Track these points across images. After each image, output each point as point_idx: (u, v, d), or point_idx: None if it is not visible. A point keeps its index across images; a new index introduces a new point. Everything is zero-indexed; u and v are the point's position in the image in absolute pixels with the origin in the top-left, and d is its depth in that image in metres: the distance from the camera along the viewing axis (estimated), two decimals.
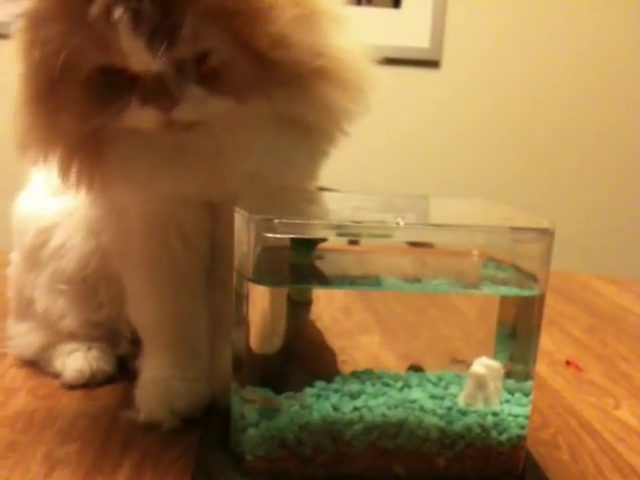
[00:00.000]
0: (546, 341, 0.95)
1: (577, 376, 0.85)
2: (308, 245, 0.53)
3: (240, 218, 0.52)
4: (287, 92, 0.54)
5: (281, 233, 0.49)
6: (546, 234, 0.50)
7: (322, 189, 0.68)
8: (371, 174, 1.98)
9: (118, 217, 0.66)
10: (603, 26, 2.03)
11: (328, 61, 0.54)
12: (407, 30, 2.00)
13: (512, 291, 0.55)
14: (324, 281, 0.54)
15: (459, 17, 1.99)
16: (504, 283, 0.56)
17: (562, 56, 2.04)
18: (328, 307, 0.60)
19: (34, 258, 0.73)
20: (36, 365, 0.77)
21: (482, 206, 0.62)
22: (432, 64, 2.03)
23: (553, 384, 0.82)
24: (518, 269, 0.55)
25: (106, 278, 0.72)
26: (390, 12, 1.99)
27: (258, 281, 0.51)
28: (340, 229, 0.50)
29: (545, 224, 0.51)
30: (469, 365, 0.56)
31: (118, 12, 0.47)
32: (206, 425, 0.62)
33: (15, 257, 0.78)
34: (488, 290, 0.56)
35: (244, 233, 0.51)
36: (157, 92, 0.51)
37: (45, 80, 0.52)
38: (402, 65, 2.01)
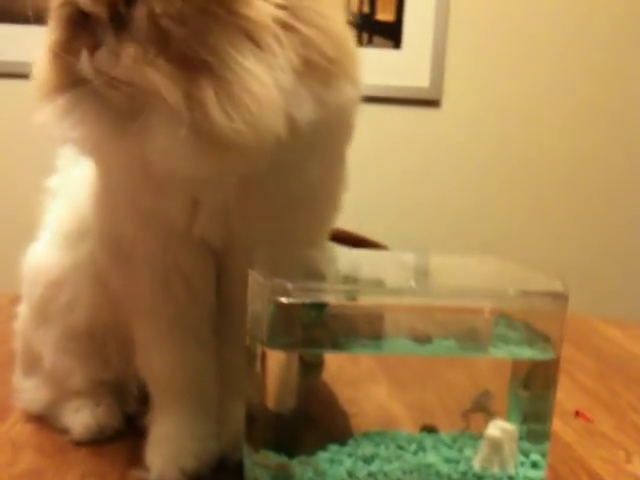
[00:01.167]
0: None
1: (587, 427, 0.84)
2: (320, 305, 0.53)
3: (254, 280, 0.52)
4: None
5: (295, 297, 0.49)
6: (560, 299, 0.50)
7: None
8: (370, 213, 1.98)
9: (125, 264, 0.66)
10: (606, 66, 2.06)
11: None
12: (407, 70, 2.03)
13: (525, 353, 0.55)
14: (336, 345, 0.54)
15: (458, 57, 2.02)
16: (516, 343, 0.55)
17: (563, 96, 2.07)
18: (335, 355, 0.60)
19: (44, 312, 0.73)
20: (42, 419, 0.76)
21: (495, 265, 0.62)
22: (432, 103, 2.06)
23: (564, 436, 0.81)
24: (531, 329, 0.55)
25: (114, 332, 0.72)
26: (391, 53, 2.02)
27: (271, 345, 0.51)
28: (355, 294, 0.50)
29: (559, 287, 0.51)
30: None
31: None
32: None
33: (23, 310, 0.77)
34: (500, 352, 0.56)
35: (257, 295, 0.51)
36: (91, 33, 0.55)
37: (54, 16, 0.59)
38: (403, 104, 2.03)
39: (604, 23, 2.04)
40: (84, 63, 0.55)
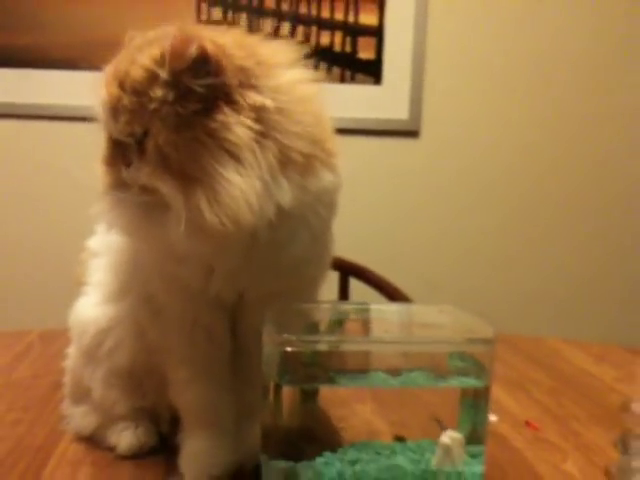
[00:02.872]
0: (511, 404, 1.13)
1: (535, 435, 1.03)
2: (317, 352, 0.72)
3: (267, 333, 0.71)
4: None
5: (298, 347, 0.68)
6: (490, 343, 0.70)
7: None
8: (350, 240, 2.04)
9: (157, 318, 0.85)
10: (584, 95, 2.22)
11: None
12: (388, 104, 2.18)
13: (470, 382, 0.74)
14: (329, 380, 0.73)
15: (435, 90, 2.17)
16: (465, 373, 0.75)
17: (538, 127, 2.22)
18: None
19: (92, 355, 0.91)
20: (90, 440, 0.94)
21: (449, 315, 0.82)
22: (411, 134, 2.21)
23: (514, 443, 0.99)
24: (476, 360, 0.75)
25: (150, 370, 0.90)
26: (372, 88, 2.17)
27: (280, 381, 0.70)
28: (343, 343, 0.69)
29: (489, 334, 0.70)
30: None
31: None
32: None
33: (73, 352, 0.96)
34: (454, 382, 0.75)
35: (270, 345, 0.70)
36: (124, 153, 0.74)
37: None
38: (384, 136, 2.18)
39: (584, 60, 2.21)
40: (124, 173, 0.75)
